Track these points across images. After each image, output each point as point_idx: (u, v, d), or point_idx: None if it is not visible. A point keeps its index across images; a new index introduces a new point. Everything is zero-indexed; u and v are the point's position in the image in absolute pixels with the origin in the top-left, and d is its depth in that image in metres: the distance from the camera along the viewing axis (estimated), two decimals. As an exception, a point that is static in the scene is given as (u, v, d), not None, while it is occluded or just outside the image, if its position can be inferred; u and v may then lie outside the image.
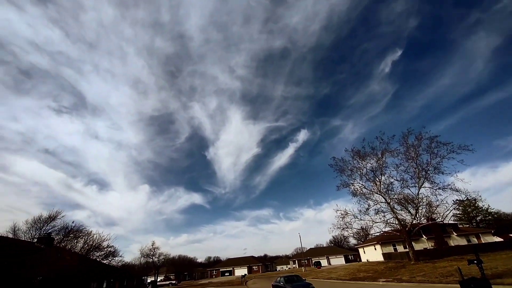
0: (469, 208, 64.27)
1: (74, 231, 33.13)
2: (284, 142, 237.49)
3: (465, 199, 29.73)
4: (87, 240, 32.45)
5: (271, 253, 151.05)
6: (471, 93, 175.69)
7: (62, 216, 34.62)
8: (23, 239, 31.06)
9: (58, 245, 31.32)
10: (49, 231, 32.61)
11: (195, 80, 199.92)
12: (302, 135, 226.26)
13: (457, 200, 30.84)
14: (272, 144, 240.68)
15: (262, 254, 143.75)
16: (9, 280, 16.78)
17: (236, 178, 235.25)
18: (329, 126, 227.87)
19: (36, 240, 29.97)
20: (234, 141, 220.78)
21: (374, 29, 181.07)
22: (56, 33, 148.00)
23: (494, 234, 48.31)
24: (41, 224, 32.93)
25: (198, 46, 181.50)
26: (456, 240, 46.11)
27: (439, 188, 28.63)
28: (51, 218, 33.39)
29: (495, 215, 63.79)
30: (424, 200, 30.28)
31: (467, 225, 62.55)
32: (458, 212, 64.17)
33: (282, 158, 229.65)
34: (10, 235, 31.34)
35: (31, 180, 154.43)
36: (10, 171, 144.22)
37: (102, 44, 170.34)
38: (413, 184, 30.80)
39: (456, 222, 56.84)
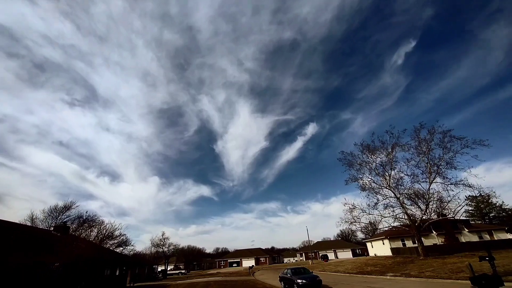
0: (482, 204, 62.71)
1: (88, 221, 34.10)
2: (293, 135, 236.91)
3: (478, 195, 29.09)
4: (100, 229, 32.86)
5: (278, 245, 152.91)
6: (489, 85, 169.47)
7: (77, 206, 36.15)
8: (41, 227, 32.32)
9: (73, 233, 31.86)
10: (65, 220, 33.99)
11: (204, 73, 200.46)
12: (311, 129, 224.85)
13: (469, 196, 30.37)
14: (280, 137, 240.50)
15: (270, 246, 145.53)
16: (28, 265, 17.67)
17: (244, 171, 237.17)
18: (339, 119, 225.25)
19: (52, 228, 31.22)
20: (242, 134, 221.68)
21: (387, 19, 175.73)
22: (68, 26, 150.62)
23: (507, 231, 47.13)
24: (57, 213, 34.39)
25: (207, 38, 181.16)
26: (467, 237, 45.30)
27: (451, 184, 28.07)
28: (66, 207, 34.93)
29: (510, 212, 62.02)
30: (435, 196, 29.78)
31: (479, 222, 61.20)
32: (470, 208, 62.82)
33: (290, 152, 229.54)
34: (28, 223, 32.75)
35: (47, 171, 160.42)
36: (27, 162, 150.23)
37: (112, 36, 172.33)
38: (424, 179, 30.36)
39: (468, 218, 55.75)
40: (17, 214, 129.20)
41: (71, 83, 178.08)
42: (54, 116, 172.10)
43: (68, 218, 34.52)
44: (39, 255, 19.40)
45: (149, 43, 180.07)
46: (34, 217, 33.75)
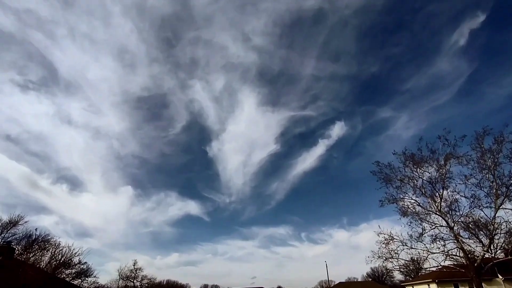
0: None
1: (39, 242, 31.78)
2: (312, 137, 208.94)
3: None
4: (54, 254, 31.04)
5: (287, 284, 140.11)
6: None
7: (25, 222, 32.87)
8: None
9: (19, 257, 29.72)
10: (9, 239, 30.57)
11: (198, 51, 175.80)
12: (337, 129, 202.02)
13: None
14: (296, 139, 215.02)
15: (276, 286, 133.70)
16: None
17: (246, 184, 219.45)
18: (375, 118, 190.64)
19: (-7, 249, 28.07)
20: (246, 134, 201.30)
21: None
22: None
23: None
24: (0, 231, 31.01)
25: (204, 5, 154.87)
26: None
27: (526, 212, 24.01)
28: (12, 223, 31.51)
29: None
30: (503, 227, 25.54)
31: None
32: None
33: (309, 159, 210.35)
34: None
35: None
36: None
37: (80, 0, 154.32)
38: (487, 204, 25.76)
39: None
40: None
41: (25, 60, 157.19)
42: (0, 102, 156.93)
43: (13, 237, 31.53)
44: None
45: (129, 10, 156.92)
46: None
